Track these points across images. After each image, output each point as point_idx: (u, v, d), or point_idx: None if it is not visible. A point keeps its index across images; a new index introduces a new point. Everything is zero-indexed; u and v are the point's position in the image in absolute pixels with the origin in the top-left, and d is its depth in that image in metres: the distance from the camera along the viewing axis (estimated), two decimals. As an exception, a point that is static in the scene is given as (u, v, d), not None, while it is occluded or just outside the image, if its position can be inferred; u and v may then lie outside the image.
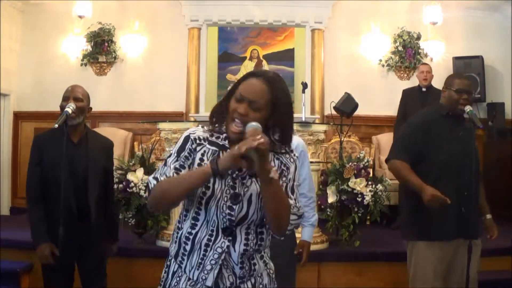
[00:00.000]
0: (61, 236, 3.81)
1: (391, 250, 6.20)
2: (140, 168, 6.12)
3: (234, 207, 2.42)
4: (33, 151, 4.18)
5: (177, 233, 2.54)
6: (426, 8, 9.63)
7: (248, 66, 9.88)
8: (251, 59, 9.94)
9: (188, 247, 2.47)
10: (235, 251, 2.44)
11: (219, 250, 2.42)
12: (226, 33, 10.10)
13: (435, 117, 4.30)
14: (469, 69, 9.25)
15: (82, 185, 4.07)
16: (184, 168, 2.45)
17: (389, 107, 9.14)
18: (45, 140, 4.14)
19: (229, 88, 2.53)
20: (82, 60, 9.90)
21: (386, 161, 4.35)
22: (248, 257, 2.49)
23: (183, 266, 2.48)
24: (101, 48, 9.83)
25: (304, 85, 6.36)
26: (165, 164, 2.48)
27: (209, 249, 2.43)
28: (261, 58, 9.96)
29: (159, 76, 9.95)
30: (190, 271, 2.45)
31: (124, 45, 9.94)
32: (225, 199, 2.41)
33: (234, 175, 2.43)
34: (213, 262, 2.42)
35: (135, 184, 6.00)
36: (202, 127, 2.54)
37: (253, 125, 2.32)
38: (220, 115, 2.51)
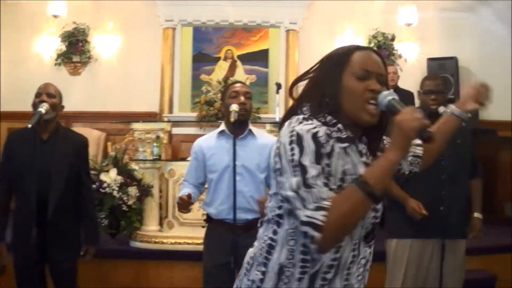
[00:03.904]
0: (33, 236, 3.75)
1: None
2: (113, 168, 6.10)
3: (378, 207, 1.95)
4: (3, 149, 4.16)
5: (304, 268, 1.90)
6: (401, 8, 9.67)
7: (222, 67, 9.87)
8: (225, 59, 9.92)
9: (330, 275, 1.90)
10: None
11: (363, 261, 1.99)
12: (201, 33, 10.07)
13: None
14: (443, 70, 9.28)
15: (46, 183, 3.95)
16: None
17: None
18: (16, 138, 4.08)
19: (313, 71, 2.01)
20: (56, 59, 9.83)
21: None
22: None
23: None
24: (75, 48, 9.77)
25: (278, 86, 6.35)
26: (306, 186, 1.76)
27: (352, 265, 1.94)
28: (235, 58, 9.94)
29: (133, 76, 9.88)
30: None
31: (98, 45, 9.87)
32: None
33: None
34: (360, 277, 1.99)
35: (108, 185, 5.96)
36: (306, 120, 1.86)
37: (388, 93, 1.87)
38: (321, 104, 1.92)
